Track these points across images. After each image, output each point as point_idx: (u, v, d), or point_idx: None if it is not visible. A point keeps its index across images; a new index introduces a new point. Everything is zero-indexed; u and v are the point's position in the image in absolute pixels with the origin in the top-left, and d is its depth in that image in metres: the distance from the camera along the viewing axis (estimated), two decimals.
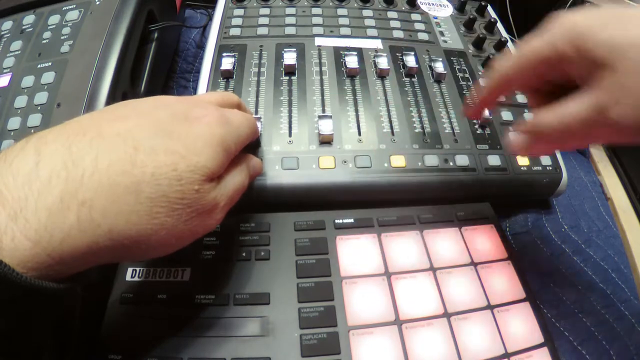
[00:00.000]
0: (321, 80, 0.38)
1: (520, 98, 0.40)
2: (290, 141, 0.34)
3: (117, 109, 0.20)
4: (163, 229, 0.18)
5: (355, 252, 0.29)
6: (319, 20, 0.43)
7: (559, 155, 0.37)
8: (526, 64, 0.22)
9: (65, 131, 0.17)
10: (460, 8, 0.48)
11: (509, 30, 0.48)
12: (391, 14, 0.45)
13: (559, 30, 0.21)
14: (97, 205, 0.16)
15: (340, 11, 0.44)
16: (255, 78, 0.37)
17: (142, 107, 0.20)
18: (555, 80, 0.23)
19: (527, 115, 0.39)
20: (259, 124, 0.33)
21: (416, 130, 0.35)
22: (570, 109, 0.20)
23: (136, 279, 0.27)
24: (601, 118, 0.19)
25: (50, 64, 0.34)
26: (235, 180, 0.22)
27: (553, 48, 0.21)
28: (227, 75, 0.37)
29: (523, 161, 0.36)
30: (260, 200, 0.32)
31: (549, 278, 0.33)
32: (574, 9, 0.53)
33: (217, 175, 0.20)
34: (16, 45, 0.36)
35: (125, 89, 0.34)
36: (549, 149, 0.23)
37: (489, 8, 0.48)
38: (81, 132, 0.17)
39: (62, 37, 0.35)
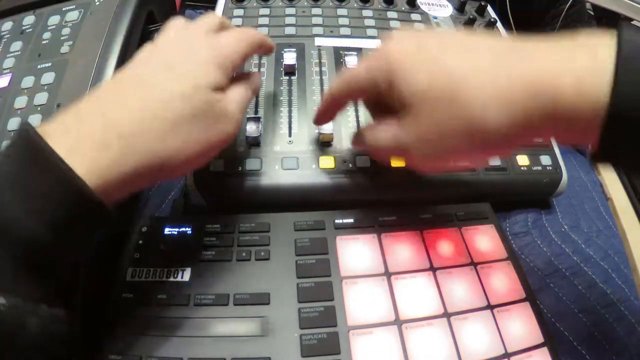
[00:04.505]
0: (321, 80, 0.38)
1: None
2: (290, 141, 0.34)
3: (129, 66, 0.24)
4: (189, 140, 0.21)
5: (355, 252, 0.29)
6: (319, 20, 0.43)
7: (559, 155, 0.37)
8: (349, 89, 0.26)
9: (94, 96, 0.22)
10: (460, 8, 0.48)
11: (509, 30, 0.48)
12: (391, 14, 0.45)
13: (380, 62, 0.23)
14: (131, 135, 0.20)
15: (340, 11, 0.44)
16: None
17: (147, 59, 0.24)
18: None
19: None
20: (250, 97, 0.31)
21: None
22: (381, 136, 0.24)
23: (136, 279, 0.27)
24: (401, 152, 0.24)
25: (50, 64, 0.34)
26: (239, 91, 0.25)
27: (372, 80, 0.24)
28: None
29: (523, 161, 0.36)
30: (260, 200, 0.32)
31: (549, 278, 0.33)
32: (573, 10, 0.53)
33: (219, 87, 0.23)
34: (16, 45, 0.36)
35: None
36: (375, 157, 0.29)
37: (489, 8, 0.48)
38: (106, 91, 0.22)
39: (62, 38, 0.35)
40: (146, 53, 0.24)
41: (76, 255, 0.21)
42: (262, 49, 0.29)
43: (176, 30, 0.26)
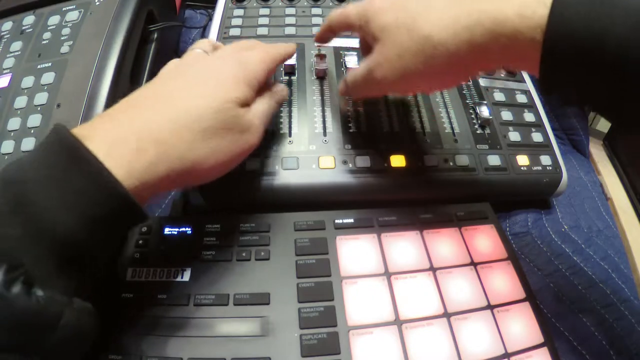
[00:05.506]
0: (321, 80, 0.38)
1: (520, 98, 0.40)
2: (290, 141, 0.34)
3: (160, 78, 0.25)
4: (217, 150, 0.23)
5: (355, 252, 0.29)
6: (318, 20, 0.43)
7: (558, 155, 0.37)
8: (340, 22, 0.31)
9: (128, 104, 0.23)
10: None
11: None
12: None
13: (365, 6, 0.28)
14: (167, 142, 0.21)
15: None
16: None
17: (178, 74, 0.26)
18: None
19: (527, 115, 0.39)
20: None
21: (416, 130, 0.35)
22: (358, 70, 0.28)
23: (136, 279, 0.27)
24: (370, 77, 0.27)
25: (50, 64, 0.34)
26: (263, 104, 0.27)
27: (356, 18, 0.28)
28: None
29: (523, 161, 0.36)
30: (260, 200, 0.32)
31: (549, 278, 0.33)
32: None
33: (246, 102, 0.25)
34: (16, 45, 0.36)
35: (125, 89, 0.34)
36: (358, 94, 0.33)
37: None
38: (142, 99, 0.23)
39: (62, 38, 0.36)
40: (176, 68, 0.26)
41: (108, 251, 0.22)
42: (286, 59, 0.32)
43: (205, 49, 0.28)
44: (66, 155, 0.19)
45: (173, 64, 0.27)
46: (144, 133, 0.21)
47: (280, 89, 0.30)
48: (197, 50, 0.28)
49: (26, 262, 0.17)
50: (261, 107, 0.27)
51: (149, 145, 0.21)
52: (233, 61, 0.26)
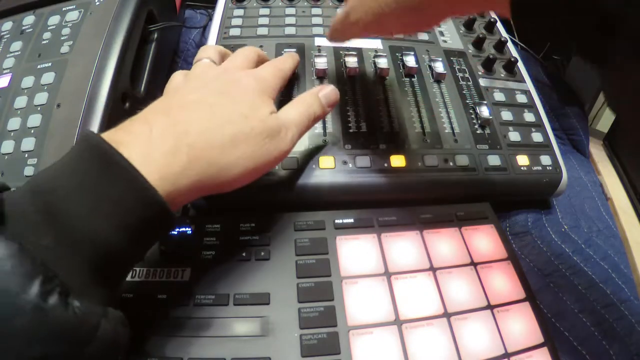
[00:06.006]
0: (321, 80, 0.38)
1: (520, 98, 0.40)
2: None
3: (181, 89, 0.25)
4: (244, 157, 0.23)
5: (355, 252, 0.29)
6: (319, 20, 0.43)
7: (558, 155, 0.37)
8: None
9: (158, 108, 0.23)
10: None
11: (508, 30, 0.48)
12: None
13: None
14: (198, 146, 0.21)
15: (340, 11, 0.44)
16: None
17: (197, 83, 0.26)
18: None
19: (527, 115, 0.39)
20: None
21: (416, 130, 0.35)
22: (337, 14, 0.29)
23: (136, 279, 0.27)
24: (347, 20, 0.27)
25: (50, 64, 0.34)
26: (293, 112, 0.27)
27: None
28: None
29: (523, 161, 0.36)
30: (260, 200, 0.32)
31: (549, 278, 0.33)
32: None
33: (272, 111, 0.25)
34: (16, 45, 0.36)
35: (125, 89, 0.34)
36: (341, 38, 0.32)
37: None
38: (169, 106, 0.23)
39: (62, 38, 0.36)
40: (192, 80, 0.26)
41: (139, 259, 0.22)
42: (294, 70, 0.32)
43: (212, 57, 0.28)
44: (99, 162, 0.19)
45: (181, 75, 0.27)
46: (179, 136, 0.21)
47: (323, 94, 0.29)
48: (205, 60, 0.28)
49: (61, 273, 0.17)
50: (292, 115, 0.26)
51: (183, 148, 0.21)
52: (248, 75, 0.26)
